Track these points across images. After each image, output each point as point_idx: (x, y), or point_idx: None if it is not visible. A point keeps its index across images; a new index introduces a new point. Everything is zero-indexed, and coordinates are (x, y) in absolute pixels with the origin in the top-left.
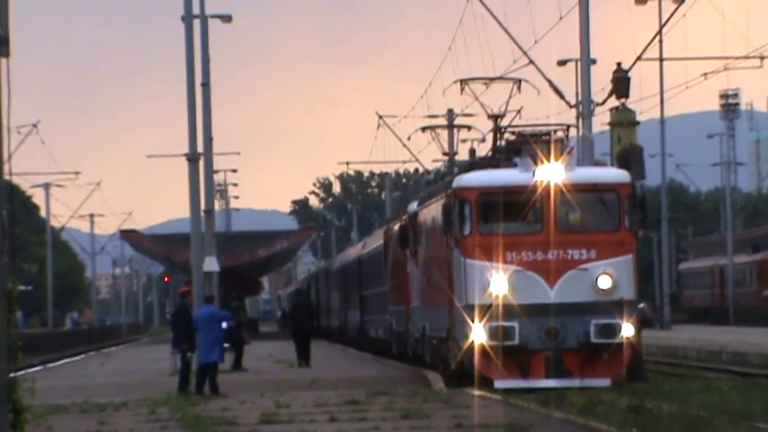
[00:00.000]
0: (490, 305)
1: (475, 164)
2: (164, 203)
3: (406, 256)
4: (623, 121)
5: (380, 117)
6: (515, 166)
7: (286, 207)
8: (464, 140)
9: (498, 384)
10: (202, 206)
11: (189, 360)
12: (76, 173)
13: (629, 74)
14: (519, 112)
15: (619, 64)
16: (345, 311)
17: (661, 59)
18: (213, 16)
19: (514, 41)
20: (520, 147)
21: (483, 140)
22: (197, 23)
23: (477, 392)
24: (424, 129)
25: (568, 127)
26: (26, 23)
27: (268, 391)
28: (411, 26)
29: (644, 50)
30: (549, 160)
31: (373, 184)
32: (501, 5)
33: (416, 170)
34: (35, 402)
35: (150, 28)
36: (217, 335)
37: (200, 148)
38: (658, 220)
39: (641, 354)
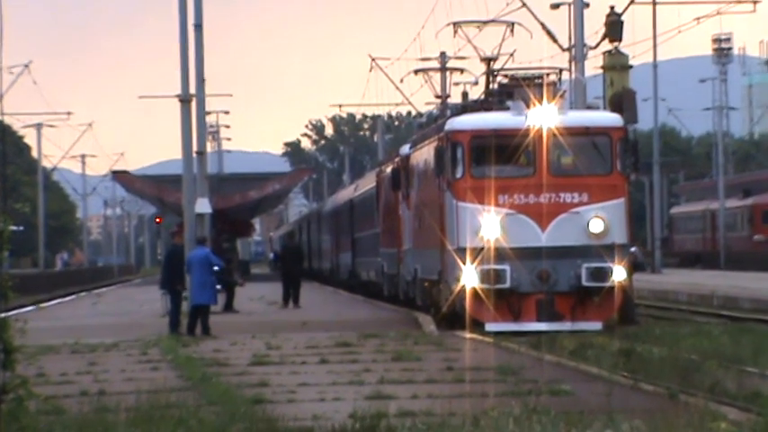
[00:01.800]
0: (482, 248)
1: (467, 107)
2: (156, 145)
3: (398, 199)
4: (616, 64)
5: (373, 59)
6: (508, 109)
7: (278, 149)
8: (457, 83)
9: (489, 327)
10: (194, 148)
11: (179, 301)
12: (68, 113)
13: (623, 17)
14: (512, 55)
15: (612, 7)
16: (337, 254)
17: (654, 3)
18: None
19: None
20: (512, 90)
21: (476, 84)
22: None
23: (468, 335)
24: (416, 71)
25: (561, 70)
26: None
27: (259, 333)
28: None
29: None
30: (541, 103)
31: (366, 126)
32: None
33: (409, 113)
34: (26, 342)
35: None
36: (209, 277)
37: (192, 90)
38: (650, 164)
39: (632, 297)
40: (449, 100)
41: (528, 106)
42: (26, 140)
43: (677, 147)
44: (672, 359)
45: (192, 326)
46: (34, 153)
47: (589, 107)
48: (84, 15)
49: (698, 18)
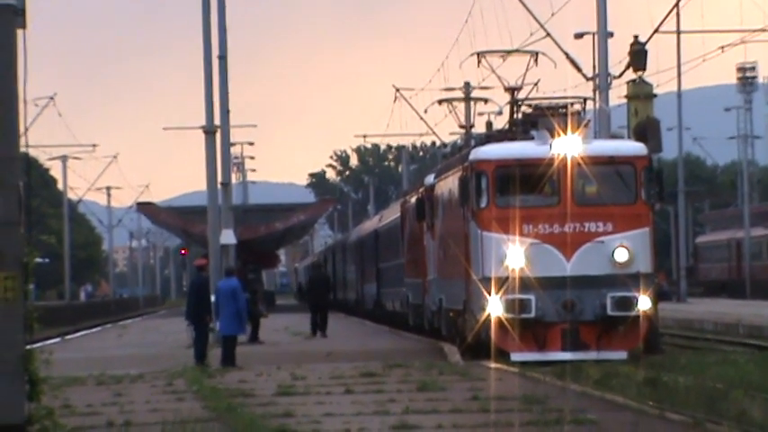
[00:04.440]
0: (507, 278)
1: (491, 136)
2: (181, 176)
3: (423, 229)
4: (640, 94)
5: (397, 90)
6: (532, 138)
7: (303, 180)
8: (481, 113)
9: (514, 357)
10: (219, 179)
11: (209, 331)
12: (94, 145)
13: (647, 46)
14: (536, 84)
15: (636, 37)
16: (362, 284)
17: (678, 32)
18: None
19: (531, 14)
20: (536, 119)
21: (500, 113)
22: None
23: (493, 365)
24: (440, 101)
25: (585, 100)
26: None
27: (284, 364)
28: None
29: (661, 23)
30: (565, 133)
31: (390, 157)
32: None
33: (433, 143)
34: (51, 374)
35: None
36: (237, 308)
37: (216, 121)
38: (675, 193)
39: (657, 326)
40: (473, 130)
41: (552, 136)
42: (52, 173)
43: (702, 175)
44: (698, 388)
45: (225, 357)
46: (60, 185)
47: (613, 136)
48: (108, 47)
49: (722, 47)
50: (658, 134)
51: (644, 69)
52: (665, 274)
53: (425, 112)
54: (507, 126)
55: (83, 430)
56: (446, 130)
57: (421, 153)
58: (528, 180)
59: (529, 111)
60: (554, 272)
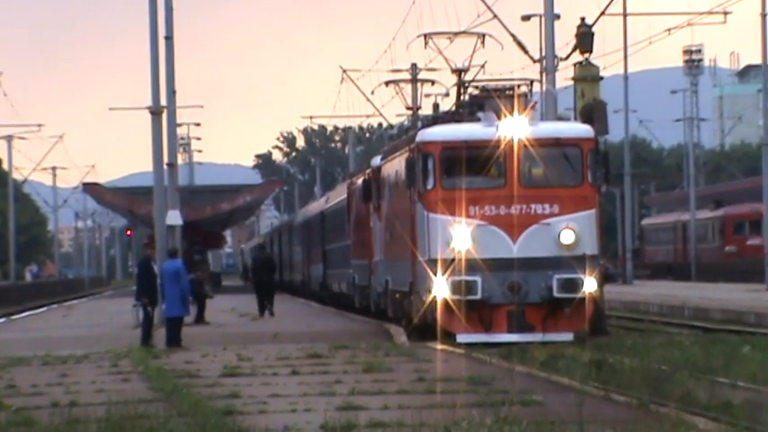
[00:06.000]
0: (453, 259)
1: (438, 118)
2: (127, 157)
3: (370, 211)
4: (587, 76)
5: (344, 71)
6: (479, 120)
7: (249, 161)
8: (428, 95)
9: (461, 339)
10: (165, 159)
11: (150, 313)
12: (39, 125)
13: (593, 29)
14: (483, 66)
15: (582, 19)
16: (308, 265)
17: (625, 14)
18: None
19: None
20: (483, 101)
21: (446, 95)
22: None
23: (439, 346)
24: (387, 83)
25: (532, 82)
26: None
27: (230, 345)
28: None
29: (608, 5)
30: (512, 115)
31: (337, 138)
32: None
33: (380, 124)
34: None
35: None
36: (180, 289)
37: (163, 101)
38: (621, 175)
39: (604, 309)
40: (420, 111)
41: (499, 117)
42: None
43: (648, 158)
44: (643, 370)
45: (170, 338)
46: (5, 165)
47: (560, 118)
48: (55, 27)
49: (669, 29)
50: (605, 116)
51: (590, 51)
52: (612, 256)
53: (372, 93)
54: (454, 108)
55: (27, 410)
56: (393, 111)
57: (368, 135)
58: (474, 162)
59: (476, 93)
60: (500, 254)
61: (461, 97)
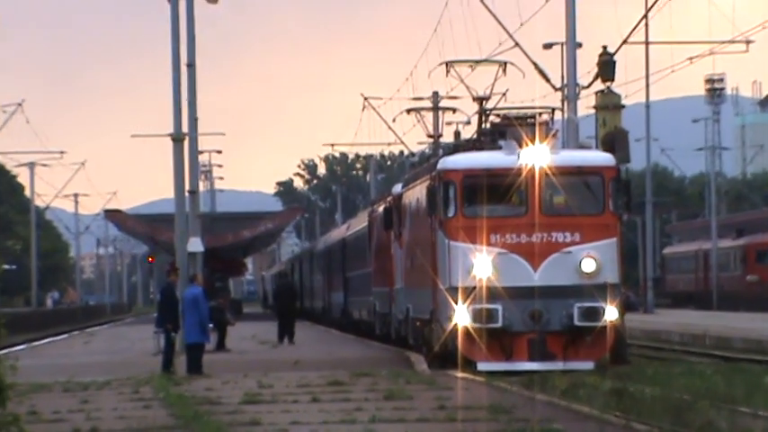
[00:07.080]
0: (474, 287)
1: (459, 146)
2: (148, 184)
3: (391, 238)
4: (608, 104)
5: (366, 99)
6: (500, 148)
7: (271, 188)
8: (449, 123)
9: (481, 367)
10: (187, 186)
11: (173, 340)
12: (61, 152)
13: (615, 57)
14: (504, 94)
15: (604, 47)
16: (329, 293)
17: (647, 43)
18: None
19: (500, 24)
20: (505, 129)
21: (468, 123)
22: (183, 3)
23: (460, 374)
24: (409, 111)
25: (553, 110)
26: (11, 2)
27: (251, 372)
28: (397, 8)
29: (630, 34)
30: (533, 143)
31: (358, 165)
32: None
33: (401, 152)
34: (18, 380)
35: (137, 7)
36: (199, 315)
37: (185, 129)
38: (643, 203)
39: (624, 337)
40: (441, 139)
41: (520, 146)
42: (19, 179)
43: (670, 186)
44: (664, 399)
45: (191, 365)
46: (27, 192)
47: (581, 147)
48: (77, 54)
49: (691, 58)
50: (626, 145)
51: (612, 80)
52: (633, 285)
53: (394, 121)
54: (475, 136)
55: None
56: (414, 139)
57: (389, 162)
58: (496, 190)
59: (497, 120)
60: (521, 282)
61: (483, 125)
